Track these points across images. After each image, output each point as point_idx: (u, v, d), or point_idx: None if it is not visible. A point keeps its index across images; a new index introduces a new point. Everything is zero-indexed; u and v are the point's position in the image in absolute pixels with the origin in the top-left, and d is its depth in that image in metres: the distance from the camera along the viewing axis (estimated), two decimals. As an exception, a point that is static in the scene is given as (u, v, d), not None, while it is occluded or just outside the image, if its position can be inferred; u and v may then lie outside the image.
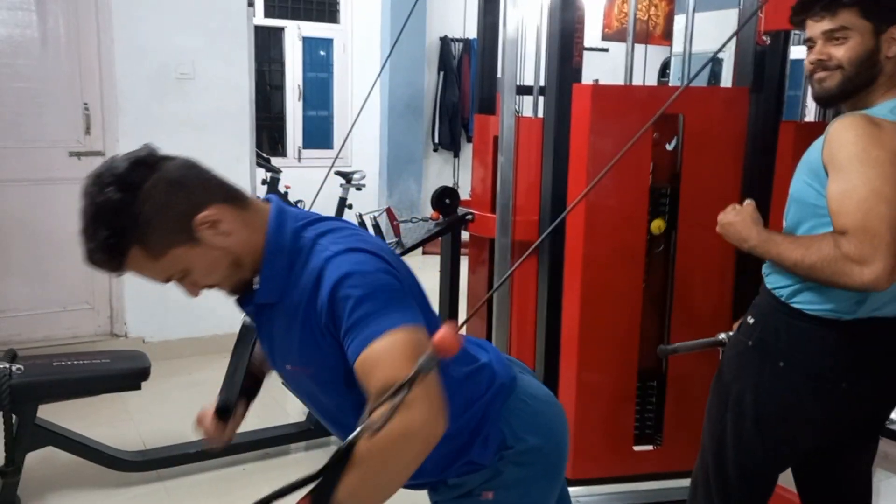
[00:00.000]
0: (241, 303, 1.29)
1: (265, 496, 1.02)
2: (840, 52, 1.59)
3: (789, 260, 1.57)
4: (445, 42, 7.06)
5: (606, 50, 6.79)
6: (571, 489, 1.84)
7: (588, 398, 2.62)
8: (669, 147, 2.69)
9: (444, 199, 3.04)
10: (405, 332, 1.07)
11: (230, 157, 3.96)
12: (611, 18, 7.30)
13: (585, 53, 2.75)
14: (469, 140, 7.12)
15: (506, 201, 2.72)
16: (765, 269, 1.75)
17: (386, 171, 6.88)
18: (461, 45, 7.09)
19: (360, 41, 6.85)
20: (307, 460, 2.96)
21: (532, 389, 1.43)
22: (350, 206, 5.55)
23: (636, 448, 2.78)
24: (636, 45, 2.79)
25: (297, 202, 4.84)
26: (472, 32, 6.22)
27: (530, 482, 1.37)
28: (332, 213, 3.64)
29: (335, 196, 5.68)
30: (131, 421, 3.33)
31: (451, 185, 5.47)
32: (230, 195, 1.19)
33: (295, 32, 6.67)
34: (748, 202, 1.75)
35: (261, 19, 6.27)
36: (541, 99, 2.87)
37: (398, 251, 3.03)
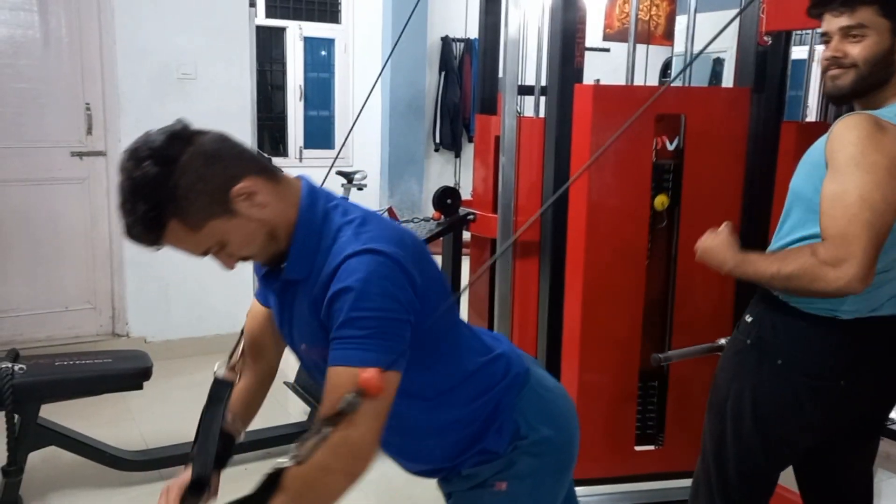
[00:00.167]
0: (267, 280, 1.30)
1: None
2: (856, 51, 1.58)
3: (766, 274, 1.59)
4: (446, 42, 7.06)
5: (608, 50, 6.78)
6: (573, 489, 1.84)
7: (589, 398, 2.62)
8: (671, 147, 2.69)
9: (446, 199, 3.04)
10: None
11: (232, 157, 3.96)
12: (612, 18, 7.30)
13: (587, 53, 2.75)
14: (470, 140, 7.12)
15: (507, 201, 2.72)
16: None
17: (387, 171, 6.88)
18: (462, 45, 7.09)
19: (361, 41, 6.85)
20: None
21: (546, 382, 1.45)
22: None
23: (637, 448, 2.78)
24: (638, 45, 2.79)
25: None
26: (473, 32, 6.22)
27: (543, 474, 1.38)
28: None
29: (336, 196, 5.68)
30: (133, 421, 3.34)
31: (452, 185, 5.47)
32: (264, 168, 1.20)
33: (296, 32, 6.67)
34: (724, 225, 1.75)
35: (262, 19, 6.27)
36: (542, 99, 2.87)
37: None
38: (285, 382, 3.36)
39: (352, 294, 1.11)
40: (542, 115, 2.83)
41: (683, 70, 1.64)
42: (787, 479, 1.92)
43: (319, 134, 7.03)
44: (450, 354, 1.31)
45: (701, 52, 1.67)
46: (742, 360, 1.76)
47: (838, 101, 1.78)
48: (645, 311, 2.67)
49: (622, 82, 2.76)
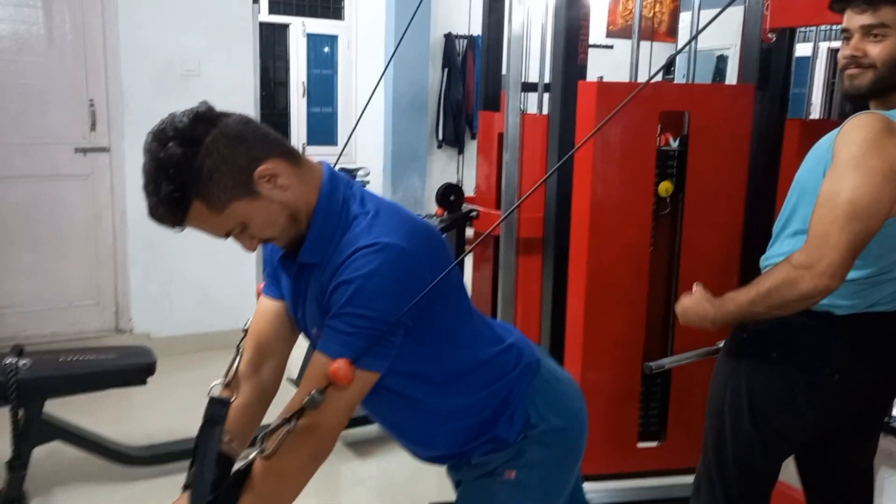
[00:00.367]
0: (284, 263, 1.30)
1: None
2: (875, 51, 1.55)
3: (747, 300, 1.58)
4: (449, 39, 7.05)
5: (611, 47, 6.77)
6: (575, 485, 1.84)
7: (592, 395, 2.60)
8: (674, 144, 2.69)
9: (449, 195, 3.05)
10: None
11: (235, 154, 3.97)
12: (615, 15, 7.30)
13: (590, 50, 2.75)
14: (473, 137, 7.11)
15: (510, 198, 2.72)
16: (762, 261, 1.76)
17: (390, 167, 6.88)
18: (465, 41, 7.08)
19: (364, 38, 6.85)
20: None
21: (556, 373, 1.46)
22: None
23: (640, 445, 2.79)
24: (641, 42, 2.79)
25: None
26: (476, 29, 6.21)
27: (552, 463, 1.39)
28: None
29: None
30: (137, 416, 3.35)
31: (455, 181, 5.47)
32: (286, 151, 1.20)
33: (299, 29, 6.67)
34: (696, 285, 1.75)
35: (265, 16, 6.28)
36: (545, 96, 2.87)
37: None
38: (288, 378, 3.36)
39: (350, 288, 1.13)
40: (545, 111, 2.83)
41: (664, 66, 1.62)
42: (792, 477, 1.92)
43: (322, 131, 7.03)
44: (461, 342, 1.32)
45: (683, 48, 1.66)
46: (740, 354, 1.76)
47: (855, 101, 1.76)
48: (648, 307, 2.67)
49: (625, 79, 2.76)
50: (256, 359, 1.40)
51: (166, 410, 3.36)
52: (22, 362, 2.53)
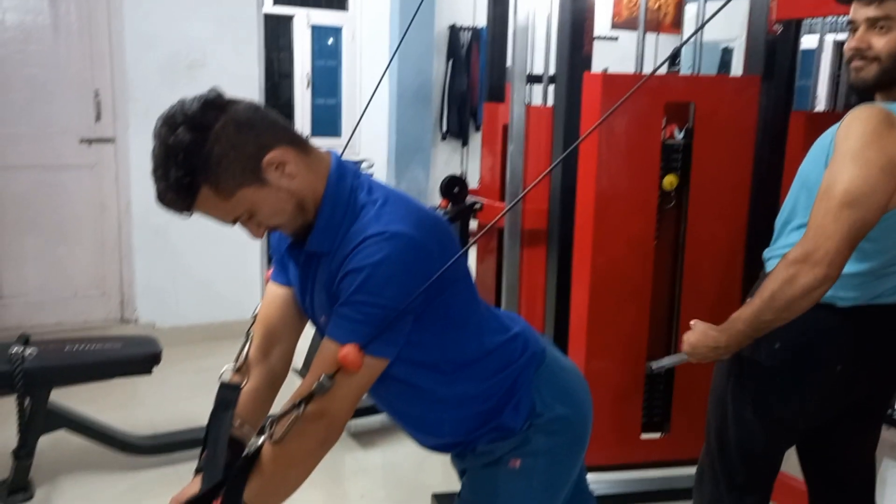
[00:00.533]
0: (292, 251, 1.31)
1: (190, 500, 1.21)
2: (880, 43, 1.55)
3: (753, 312, 1.56)
4: (454, 30, 7.03)
5: (616, 39, 6.75)
6: (579, 475, 1.85)
7: (596, 386, 2.60)
8: (679, 135, 2.69)
9: (453, 187, 3.05)
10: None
11: (239, 145, 3.97)
12: (621, 7, 7.27)
13: (595, 42, 2.74)
14: (477, 129, 7.10)
15: (515, 190, 2.72)
16: (765, 253, 1.76)
17: (394, 159, 6.87)
18: (470, 33, 7.06)
19: (368, 29, 6.83)
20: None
21: (561, 362, 1.47)
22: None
23: (644, 436, 2.80)
24: (647, 34, 2.78)
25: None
26: (480, 21, 6.20)
27: (557, 452, 1.40)
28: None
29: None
30: (142, 405, 3.36)
31: (459, 173, 5.47)
32: (295, 139, 1.21)
33: (304, 20, 6.66)
34: (694, 322, 1.72)
35: (270, 7, 6.26)
36: (550, 88, 2.86)
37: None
38: (293, 369, 3.38)
39: (360, 276, 1.14)
40: (550, 103, 2.82)
41: (668, 59, 1.61)
42: (794, 468, 1.93)
43: (326, 122, 7.02)
44: (468, 331, 1.33)
45: (686, 41, 1.66)
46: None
47: (862, 93, 1.76)
48: (652, 300, 2.68)
49: (630, 71, 2.75)
50: (265, 344, 1.41)
51: (171, 400, 3.38)
52: (28, 351, 2.55)
